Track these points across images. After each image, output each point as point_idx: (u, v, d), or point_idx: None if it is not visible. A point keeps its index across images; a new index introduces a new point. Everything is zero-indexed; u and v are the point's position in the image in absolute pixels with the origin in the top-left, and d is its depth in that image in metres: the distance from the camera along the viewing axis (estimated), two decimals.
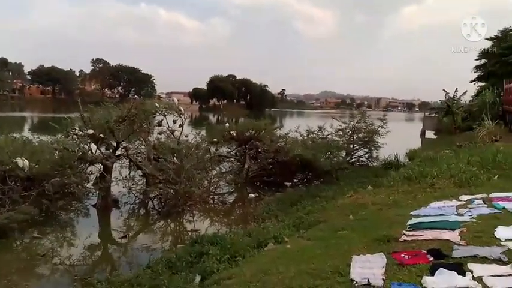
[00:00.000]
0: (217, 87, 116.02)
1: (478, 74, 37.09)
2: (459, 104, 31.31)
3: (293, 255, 5.41)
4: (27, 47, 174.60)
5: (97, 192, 11.42)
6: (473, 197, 6.97)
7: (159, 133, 13.60)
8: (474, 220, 5.56)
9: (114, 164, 11.93)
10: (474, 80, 37.49)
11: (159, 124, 13.46)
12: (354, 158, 18.17)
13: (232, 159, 16.91)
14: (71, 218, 10.88)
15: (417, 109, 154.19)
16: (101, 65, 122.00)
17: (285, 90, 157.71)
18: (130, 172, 12.40)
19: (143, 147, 13.21)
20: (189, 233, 9.87)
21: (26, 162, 9.94)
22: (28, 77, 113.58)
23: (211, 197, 12.79)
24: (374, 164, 17.62)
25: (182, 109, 15.18)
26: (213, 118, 73.57)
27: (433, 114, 38.77)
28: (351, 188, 11.00)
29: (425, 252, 4.53)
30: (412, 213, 6.48)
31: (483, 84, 35.43)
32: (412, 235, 5.19)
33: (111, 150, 11.75)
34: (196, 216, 11.37)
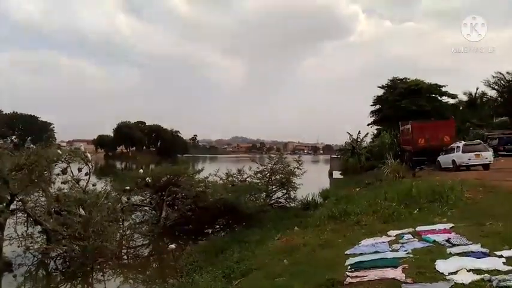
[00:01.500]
0: (125, 134, 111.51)
1: (374, 118, 40.75)
2: (362, 145, 33.89)
3: None
4: None
5: None
6: (401, 232, 7.08)
7: (63, 182, 12.08)
8: (411, 255, 5.54)
9: (8, 220, 10.19)
10: (370, 124, 41.05)
11: (64, 172, 12.01)
12: (273, 199, 18.11)
13: (147, 208, 15.73)
14: None
15: (321, 152, 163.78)
16: None
17: (196, 135, 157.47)
18: (27, 228, 10.67)
19: (43, 199, 11.62)
20: None
21: None
22: None
23: (124, 251, 11.50)
24: (292, 205, 17.69)
25: (89, 155, 13.93)
26: (120, 166, 69.78)
27: (338, 156, 41.38)
28: (278, 230, 10.69)
29: None
30: (347, 252, 6.32)
31: (378, 127, 39.02)
32: (356, 276, 4.96)
33: (4, 204, 10.02)
34: (108, 275, 10.02)
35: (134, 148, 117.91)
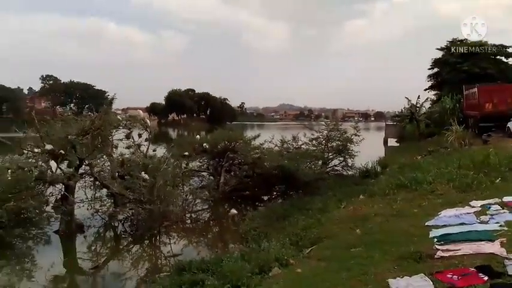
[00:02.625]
0: (175, 102, 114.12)
1: (432, 82, 38.30)
2: (421, 111, 32.11)
3: (310, 283, 4.60)
4: None
5: (59, 216, 10.05)
6: (486, 202, 6.50)
7: (127, 147, 12.39)
8: (505, 228, 5.02)
9: (77, 183, 10.64)
10: (428, 88, 38.65)
11: (128, 137, 12.28)
12: (329, 167, 17.68)
13: (205, 173, 15.94)
14: (30, 248, 9.48)
15: (372, 118, 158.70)
16: (51, 82, 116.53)
17: (244, 103, 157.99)
18: (95, 192, 11.12)
19: (108, 163, 12.02)
20: (170, 259, 8.79)
21: None
22: None
23: (188, 215, 11.74)
24: (350, 173, 17.20)
25: (148, 121, 14.12)
26: (173, 133, 71.76)
27: (394, 123, 39.62)
28: (340, 199, 10.35)
29: (475, 270, 3.89)
30: (428, 223, 5.88)
31: (437, 92, 36.73)
32: (447, 249, 4.56)
33: (73, 168, 10.44)
34: (174, 239, 10.26)
35: (185, 115, 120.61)
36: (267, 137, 16.90)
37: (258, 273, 5.57)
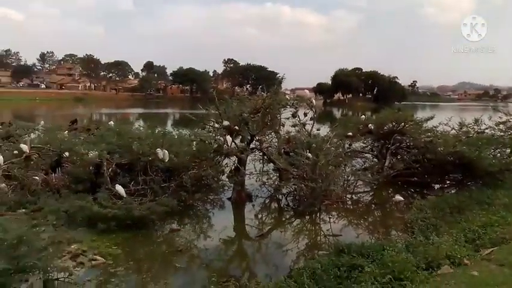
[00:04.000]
0: (341, 82, 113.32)
1: None
2: None
3: None
4: (168, 50, 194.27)
5: (232, 185, 11.14)
6: None
7: (293, 125, 12.85)
8: None
9: (248, 157, 11.55)
10: None
11: (294, 116, 12.71)
12: None
13: (368, 155, 15.36)
14: (207, 210, 10.79)
15: None
16: (231, 65, 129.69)
17: (416, 82, 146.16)
18: (263, 166, 11.93)
19: (275, 140, 12.70)
20: (329, 238, 8.82)
21: (166, 153, 10.10)
22: (170, 78, 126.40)
23: (348, 196, 11.54)
24: None
25: (314, 101, 14.24)
26: (337, 112, 71.51)
27: None
28: None
29: None
30: None
31: None
32: None
33: (245, 143, 11.37)
34: (333, 218, 10.24)
35: (350, 95, 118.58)
36: (442, 119, 15.15)
37: (425, 269, 5.07)
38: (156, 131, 11.74)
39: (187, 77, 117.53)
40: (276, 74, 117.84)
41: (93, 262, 6.91)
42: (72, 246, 7.26)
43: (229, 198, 11.21)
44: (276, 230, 9.79)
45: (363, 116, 16.56)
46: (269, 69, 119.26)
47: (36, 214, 8.51)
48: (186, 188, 10.22)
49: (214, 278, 6.66)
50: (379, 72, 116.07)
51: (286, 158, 11.98)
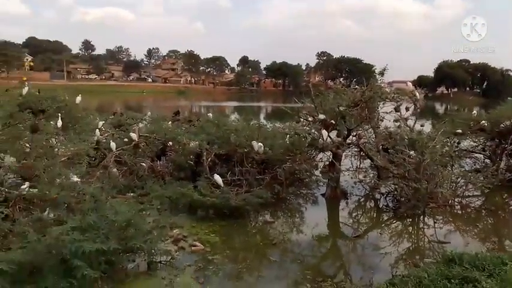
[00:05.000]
0: (446, 74, 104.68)
1: None
2: None
3: None
4: (263, 44, 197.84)
5: (326, 180, 10.83)
6: None
7: (395, 120, 12.05)
8: None
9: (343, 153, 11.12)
10: None
11: (397, 110, 11.91)
12: None
13: (480, 155, 13.83)
14: (300, 204, 10.64)
15: None
16: (324, 58, 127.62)
17: None
18: (360, 163, 11.40)
19: (373, 136, 12.03)
20: (433, 244, 8.08)
21: (261, 145, 10.15)
22: (263, 72, 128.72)
23: (457, 200, 10.48)
24: None
25: (418, 94, 13.17)
26: (440, 107, 66.20)
27: None
28: None
29: None
30: None
31: None
32: None
33: (341, 138, 10.95)
34: (438, 223, 9.37)
35: (455, 89, 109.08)
36: None
37: None
38: (251, 123, 11.89)
39: (280, 71, 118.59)
40: (372, 66, 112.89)
41: (193, 248, 7.20)
42: (174, 231, 7.65)
43: (322, 194, 10.93)
44: (373, 230, 9.30)
45: (474, 112, 14.93)
46: (364, 62, 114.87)
47: (142, 198, 9.18)
48: (280, 181, 10.18)
49: (309, 275, 6.49)
50: (489, 64, 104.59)
51: (384, 155, 11.29)
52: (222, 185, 9.28)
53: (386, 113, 11.95)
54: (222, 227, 8.43)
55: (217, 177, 9.37)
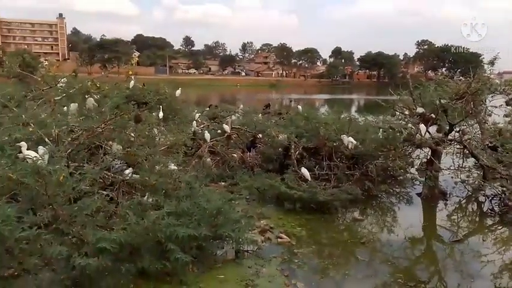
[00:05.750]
0: None
1: None
2: None
3: None
4: (358, 34, 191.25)
5: (423, 179, 10.10)
6: None
7: (505, 115, 10.79)
8: None
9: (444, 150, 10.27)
10: None
11: (508, 103, 10.64)
12: None
13: None
14: (392, 203, 10.10)
15: None
16: (425, 47, 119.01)
17: None
18: (463, 161, 10.43)
19: (479, 132, 10.91)
20: None
21: (352, 139, 9.84)
22: (357, 63, 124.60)
23: None
24: None
25: None
26: None
27: None
28: None
29: None
30: None
31: None
32: None
33: (442, 134, 10.11)
34: None
35: None
36: None
37: None
38: (342, 116, 11.56)
39: (375, 61, 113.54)
40: (479, 55, 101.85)
41: (279, 240, 7.26)
42: (261, 222, 7.80)
43: (418, 194, 10.22)
44: (474, 236, 8.50)
45: None
46: (470, 51, 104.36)
47: (232, 188, 9.52)
48: (371, 177, 9.77)
49: (400, 279, 6.15)
50: None
51: (491, 154, 10.20)
52: (310, 179, 9.20)
53: (495, 107, 10.76)
54: (309, 221, 8.37)
55: (304, 171, 9.31)
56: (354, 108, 42.98)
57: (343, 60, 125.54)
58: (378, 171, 9.90)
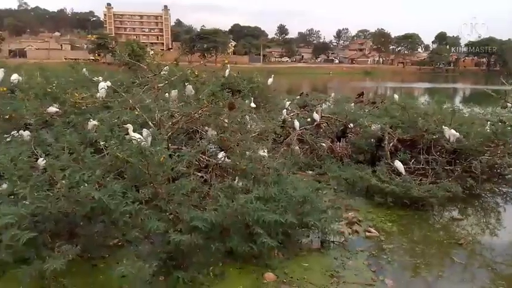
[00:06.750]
0: None
1: None
2: None
3: None
4: (464, 18, 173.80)
5: None
6: None
7: None
8: None
9: None
10: None
11: None
12: None
13: None
14: (498, 204, 9.15)
15: None
16: None
17: None
18: None
19: None
20: None
21: (454, 132, 9.09)
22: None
23: None
24: None
25: None
26: None
27: None
28: None
29: None
30: None
31: None
32: None
33: None
34: None
35: None
36: None
37: None
38: (444, 107, 10.70)
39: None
40: None
41: (367, 233, 7.05)
42: (349, 214, 7.64)
43: None
44: None
45: None
46: None
47: (320, 177, 9.44)
48: (474, 174, 8.95)
49: (502, 286, 5.59)
50: None
51: None
52: (404, 173, 8.73)
53: None
54: (401, 216, 7.97)
55: (398, 164, 8.85)
56: (458, 99, 39.48)
57: (448, 46, 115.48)
58: (483, 168, 9.03)
